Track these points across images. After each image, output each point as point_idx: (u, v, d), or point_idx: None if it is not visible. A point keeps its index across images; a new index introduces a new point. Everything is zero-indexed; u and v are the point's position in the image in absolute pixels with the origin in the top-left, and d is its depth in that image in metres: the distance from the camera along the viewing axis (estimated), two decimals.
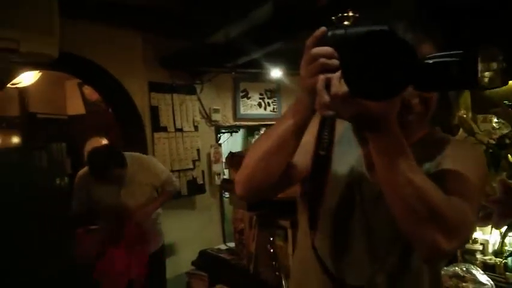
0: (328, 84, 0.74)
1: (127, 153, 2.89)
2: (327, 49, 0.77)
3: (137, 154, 3.04)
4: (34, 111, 4.81)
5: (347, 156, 1.02)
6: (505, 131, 1.69)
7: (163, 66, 3.81)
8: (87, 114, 5.05)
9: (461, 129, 1.95)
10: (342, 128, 1.04)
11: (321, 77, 0.76)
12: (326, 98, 0.74)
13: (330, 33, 0.79)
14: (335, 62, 0.75)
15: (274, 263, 1.69)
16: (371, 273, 0.96)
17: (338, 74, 0.73)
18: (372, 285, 0.95)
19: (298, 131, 0.89)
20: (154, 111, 3.74)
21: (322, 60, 0.77)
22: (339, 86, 0.72)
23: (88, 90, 4.88)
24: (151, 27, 3.54)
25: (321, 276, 0.98)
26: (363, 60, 0.66)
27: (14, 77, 3.18)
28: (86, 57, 3.32)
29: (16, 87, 4.35)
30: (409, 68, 0.66)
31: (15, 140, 4.69)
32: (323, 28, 0.80)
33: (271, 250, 1.73)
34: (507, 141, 1.61)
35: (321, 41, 0.78)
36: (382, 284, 0.96)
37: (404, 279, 0.97)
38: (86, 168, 2.85)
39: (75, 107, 5.19)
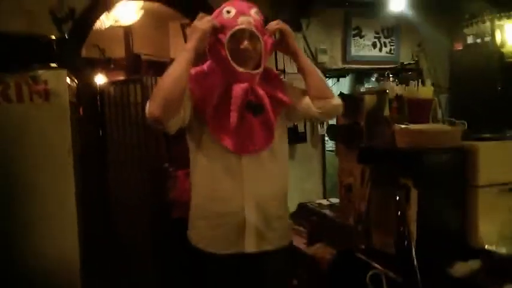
0: None
1: None
2: None
3: None
4: (138, 52, 4.85)
5: None
6: None
7: None
8: None
9: None
10: None
11: None
12: None
13: None
14: None
15: (402, 228, 1.29)
16: None
17: None
18: None
19: None
20: None
21: None
22: None
23: None
24: None
25: None
26: None
27: (111, 7, 3.09)
28: None
29: (121, 26, 4.38)
30: None
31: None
32: None
33: (399, 212, 1.33)
34: None
35: None
36: None
37: None
38: None
39: (178, 50, 5.13)
